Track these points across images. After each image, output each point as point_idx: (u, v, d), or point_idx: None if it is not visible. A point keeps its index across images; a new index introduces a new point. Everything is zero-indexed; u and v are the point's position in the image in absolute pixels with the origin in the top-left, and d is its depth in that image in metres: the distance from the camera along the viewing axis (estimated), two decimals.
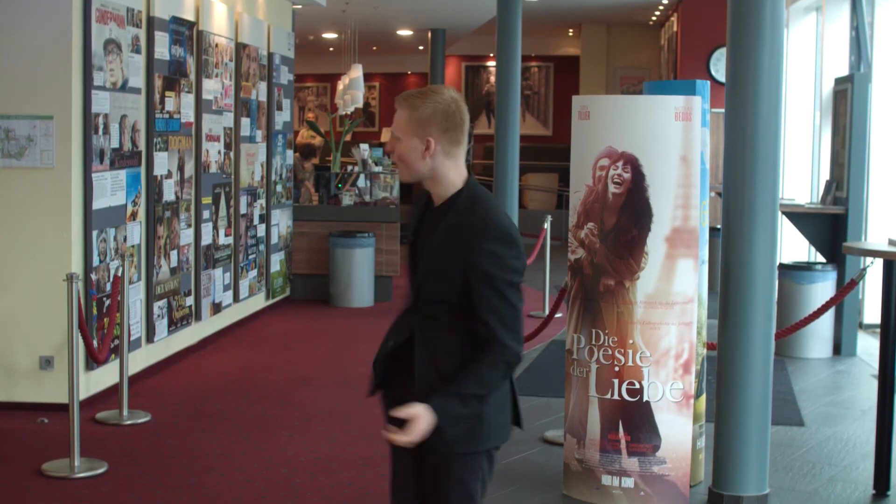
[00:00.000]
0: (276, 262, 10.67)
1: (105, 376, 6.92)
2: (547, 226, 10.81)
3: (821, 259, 9.30)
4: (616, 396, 5.07)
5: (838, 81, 9.29)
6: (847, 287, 6.63)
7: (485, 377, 3.00)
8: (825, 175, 10.23)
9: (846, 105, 8.77)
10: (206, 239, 8.60)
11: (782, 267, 8.78)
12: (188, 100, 8.14)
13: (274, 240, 10.54)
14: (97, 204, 6.72)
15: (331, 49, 20.44)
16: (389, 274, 11.20)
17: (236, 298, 9.47)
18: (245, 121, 9.56)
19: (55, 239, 6.53)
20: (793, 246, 11.49)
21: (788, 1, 12.00)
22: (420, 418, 2.96)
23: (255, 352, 8.71)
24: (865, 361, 8.51)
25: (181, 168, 8.02)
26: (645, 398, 5.04)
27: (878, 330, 5.67)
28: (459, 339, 3.06)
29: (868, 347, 8.83)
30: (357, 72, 14.13)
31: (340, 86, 14.60)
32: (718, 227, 5.54)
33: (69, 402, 5.63)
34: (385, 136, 23.53)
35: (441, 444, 3.04)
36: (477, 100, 22.65)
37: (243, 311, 9.77)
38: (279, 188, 10.72)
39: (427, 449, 3.07)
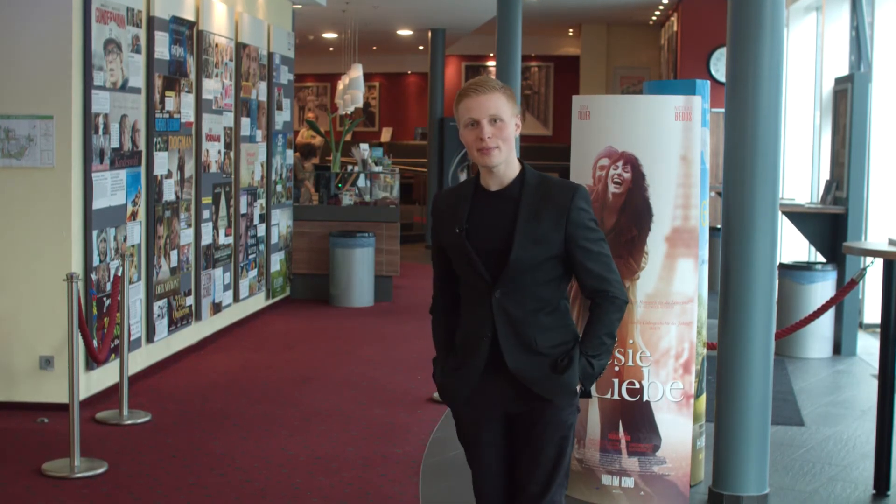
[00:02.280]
0: (276, 261, 10.67)
1: (105, 376, 6.92)
2: None
3: (821, 259, 9.30)
4: (616, 396, 5.07)
5: (838, 81, 9.29)
6: (847, 287, 6.64)
7: (612, 324, 3.29)
8: (825, 175, 10.23)
9: (846, 105, 8.77)
10: (206, 239, 8.60)
11: (782, 267, 8.78)
12: (188, 99, 8.14)
13: (274, 239, 10.54)
14: (97, 204, 6.72)
15: (331, 49, 20.44)
16: (389, 274, 11.20)
17: (236, 298, 9.47)
18: (245, 120, 9.56)
19: (55, 239, 6.53)
20: (793, 246, 11.49)
21: (788, 1, 12.00)
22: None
23: (255, 352, 8.71)
24: (865, 361, 8.51)
25: (181, 168, 8.02)
26: (645, 398, 5.04)
27: (878, 330, 5.67)
28: (540, 306, 3.28)
29: (868, 347, 8.83)
30: (357, 71, 14.13)
31: (340, 85, 14.60)
32: (718, 226, 5.54)
33: (69, 401, 5.62)
34: (385, 135, 23.54)
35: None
36: None
37: (243, 310, 9.77)
38: (279, 188, 10.72)
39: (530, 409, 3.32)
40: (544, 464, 3.32)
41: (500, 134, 3.22)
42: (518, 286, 3.25)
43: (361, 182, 11.56)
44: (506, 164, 3.27)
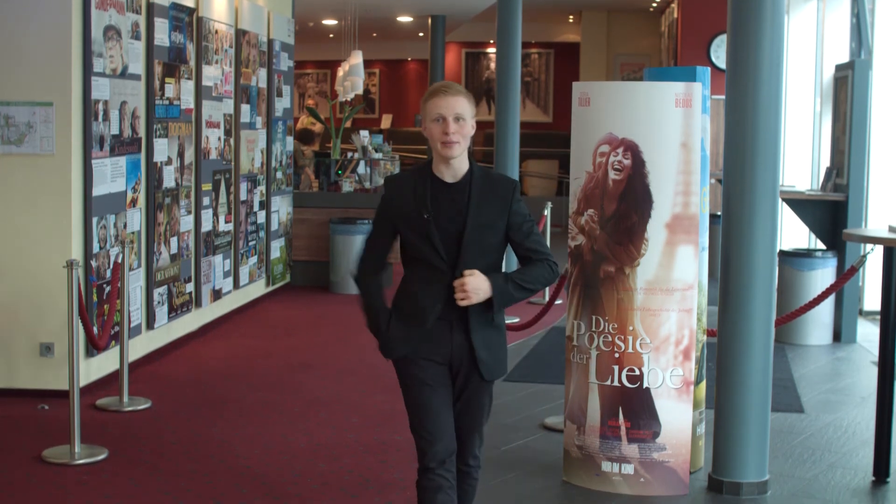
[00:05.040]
0: (277, 248, 10.67)
1: (105, 363, 6.93)
2: (547, 212, 10.79)
3: (821, 246, 9.30)
4: (616, 383, 5.08)
5: (839, 68, 9.27)
6: (847, 274, 6.63)
7: (538, 275, 3.81)
8: (825, 162, 10.22)
9: (847, 92, 8.76)
10: (206, 225, 8.60)
11: (782, 254, 8.78)
12: (188, 86, 8.13)
13: (274, 226, 10.54)
14: (97, 190, 6.71)
15: (331, 35, 20.40)
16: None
17: (236, 285, 9.47)
18: (245, 107, 9.55)
19: (55, 226, 6.53)
20: (793, 233, 11.50)
21: None
22: (481, 278, 3.72)
23: (255, 338, 8.71)
24: (865, 348, 8.52)
25: (181, 154, 8.01)
26: (645, 385, 5.04)
27: (878, 317, 5.67)
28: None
29: (868, 334, 8.84)
30: (357, 58, 14.11)
31: (340, 72, 14.59)
32: (719, 213, 5.54)
33: (69, 388, 5.63)
34: (385, 122, 23.53)
35: (485, 371, 3.85)
36: (477, 86, 22.61)
37: (243, 297, 9.78)
38: (279, 175, 10.71)
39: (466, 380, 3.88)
40: (476, 420, 3.95)
41: (461, 131, 3.75)
42: (470, 264, 3.75)
43: (361, 169, 11.56)
44: (461, 158, 3.78)
